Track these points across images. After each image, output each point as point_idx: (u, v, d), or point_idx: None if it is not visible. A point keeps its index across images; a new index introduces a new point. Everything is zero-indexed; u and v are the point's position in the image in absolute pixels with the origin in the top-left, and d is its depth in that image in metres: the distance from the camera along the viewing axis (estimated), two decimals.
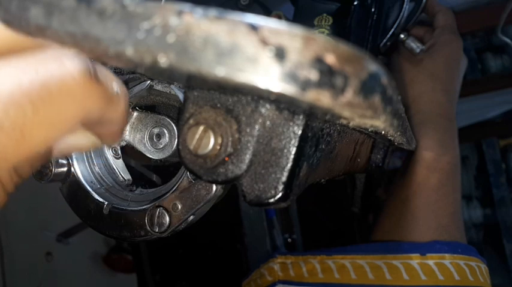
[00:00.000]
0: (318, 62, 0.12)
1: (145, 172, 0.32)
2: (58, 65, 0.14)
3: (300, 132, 0.19)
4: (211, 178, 0.21)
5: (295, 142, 0.19)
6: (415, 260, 0.46)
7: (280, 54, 0.12)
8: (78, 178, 0.30)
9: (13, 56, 0.14)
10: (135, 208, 0.28)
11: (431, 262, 0.45)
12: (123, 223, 0.28)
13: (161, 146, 0.30)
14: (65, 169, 0.30)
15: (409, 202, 0.50)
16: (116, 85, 0.16)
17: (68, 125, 0.15)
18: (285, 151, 0.19)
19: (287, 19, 0.54)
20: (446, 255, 0.46)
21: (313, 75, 0.12)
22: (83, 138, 0.17)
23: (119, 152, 0.32)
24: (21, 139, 0.14)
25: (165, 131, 0.30)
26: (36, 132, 0.14)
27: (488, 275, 0.48)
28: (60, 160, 0.30)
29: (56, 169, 0.29)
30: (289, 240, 1.01)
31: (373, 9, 0.49)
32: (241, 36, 0.12)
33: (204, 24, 0.12)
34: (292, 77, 0.12)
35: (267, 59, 0.12)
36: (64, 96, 0.14)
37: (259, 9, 0.56)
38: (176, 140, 0.30)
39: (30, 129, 0.14)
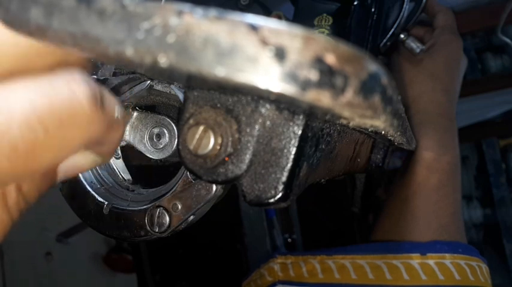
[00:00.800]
0: (318, 62, 0.12)
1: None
2: (69, 92, 0.15)
3: (300, 132, 0.19)
4: (211, 178, 0.21)
5: (295, 142, 0.19)
6: (415, 260, 0.46)
7: (280, 54, 0.12)
8: (78, 178, 0.30)
9: (25, 78, 0.14)
10: (135, 208, 0.28)
11: (431, 262, 0.45)
12: (123, 223, 0.28)
13: (161, 146, 0.30)
14: None
15: (409, 202, 0.50)
16: (117, 110, 0.17)
17: (74, 147, 0.16)
18: (285, 151, 0.19)
19: (287, 19, 0.54)
20: (447, 255, 0.46)
21: (313, 75, 0.12)
22: (84, 159, 0.18)
23: (119, 152, 0.32)
24: (32, 160, 0.14)
25: (165, 131, 0.30)
26: (45, 154, 0.14)
27: (489, 275, 0.48)
28: None
29: None
30: (289, 240, 1.01)
31: (373, 9, 0.49)
32: (241, 36, 0.12)
33: (204, 25, 0.12)
34: (292, 77, 0.12)
35: (267, 59, 0.12)
36: (72, 122, 0.15)
37: (259, 9, 0.56)
38: (176, 140, 0.30)
39: (40, 151, 0.14)
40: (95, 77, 0.28)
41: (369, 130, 0.21)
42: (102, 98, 0.16)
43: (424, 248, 0.46)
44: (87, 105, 0.15)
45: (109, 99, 0.16)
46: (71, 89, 0.15)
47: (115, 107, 0.17)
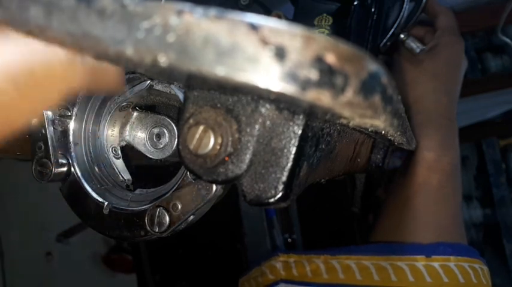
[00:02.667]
0: (318, 61, 0.12)
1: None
2: (44, 48, 0.14)
3: (300, 132, 0.19)
4: (211, 178, 0.21)
5: (295, 142, 0.19)
6: (420, 261, 0.45)
7: (280, 53, 0.12)
8: (78, 178, 0.30)
9: None
10: (135, 208, 0.28)
11: (436, 264, 0.45)
12: (123, 223, 0.28)
13: (161, 146, 0.31)
14: (65, 168, 0.30)
15: (410, 202, 0.50)
16: None
17: (52, 102, 0.15)
18: (285, 150, 0.19)
19: (287, 19, 0.54)
20: (451, 257, 0.45)
21: (313, 74, 0.12)
22: None
23: (119, 152, 0.32)
24: (5, 120, 0.14)
25: (165, 131, 0.30)
26: (20, 114, 0.14)
27: (490, 276, 0.48)
28: (60, 160, 0.30)
29: (56, 169, 0.29)
30: (289, 240, 1.01)
31: (373, 9, 0.49)
32: (242, 35, 0.12)
33: (204, 24, 0.12)
34: (292, 76, 0.12)
35: (267, 58, 0.12)
36: (49, 79, 0.14)
37: (259, 9, 0.56)
38: (176, 140, 0.30)
39: (14, 112, 0.14)
40: None
41: (369, 130, 0.21)
42: None
43: (428, 250, 0.46)
44: (65, 59, 0.14)
45: None
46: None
47: None
